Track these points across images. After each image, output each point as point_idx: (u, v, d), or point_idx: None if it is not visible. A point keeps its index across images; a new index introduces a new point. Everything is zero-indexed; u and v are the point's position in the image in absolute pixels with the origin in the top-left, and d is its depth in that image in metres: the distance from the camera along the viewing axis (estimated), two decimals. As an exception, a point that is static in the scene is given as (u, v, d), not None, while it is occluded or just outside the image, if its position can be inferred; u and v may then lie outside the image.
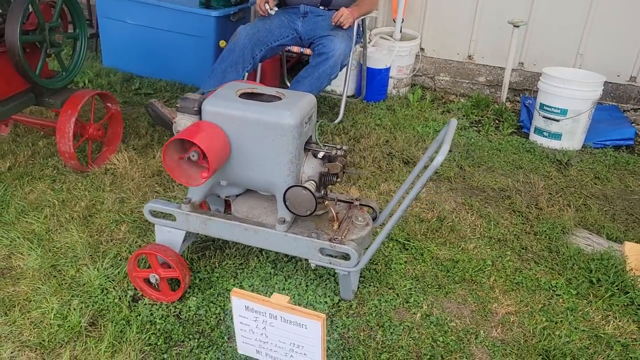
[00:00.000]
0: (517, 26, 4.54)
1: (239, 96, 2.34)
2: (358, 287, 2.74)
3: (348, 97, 5.04)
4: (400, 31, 5.20)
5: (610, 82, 4.78)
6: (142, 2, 4.92)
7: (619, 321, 2.61)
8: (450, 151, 4.15)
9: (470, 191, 3.70)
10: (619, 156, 4.20)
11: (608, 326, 2.58)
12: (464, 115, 4.86)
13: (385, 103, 5.04)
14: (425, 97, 5.14)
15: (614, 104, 4.85)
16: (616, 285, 2.80)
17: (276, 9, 4.19)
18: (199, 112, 2.32)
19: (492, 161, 4.08)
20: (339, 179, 2.38)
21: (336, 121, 4.50)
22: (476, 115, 4.88)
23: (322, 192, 2.43)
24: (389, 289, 2.75)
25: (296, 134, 2.22)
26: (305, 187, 2.21)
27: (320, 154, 2.37)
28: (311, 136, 2.42)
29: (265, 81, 4.84)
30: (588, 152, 4.27)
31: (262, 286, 2.71)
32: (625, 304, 2.71)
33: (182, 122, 2.34)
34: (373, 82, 4.99)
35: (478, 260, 2.98)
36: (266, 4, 4.07)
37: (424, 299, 2.70)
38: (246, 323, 1.81)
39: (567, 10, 4.71)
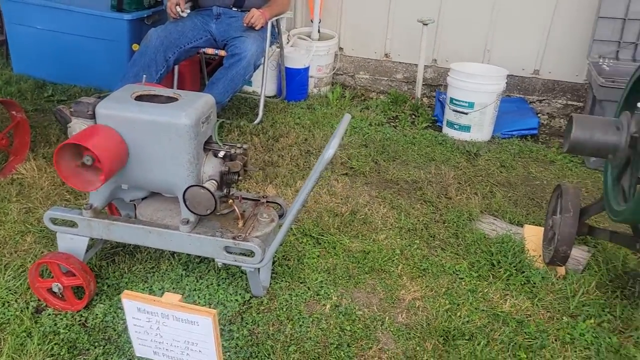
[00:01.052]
0: (426, 24, 4.72)
1: (135, 98, 2.33)
2: (270, 283, 2.78)
3: (269, 97, 5.09)
4: (319, 31, 5.28)
5: (517, 76, 5.04)
6: (51, 7, 4.78)
7: (516, 299, 2.77)
8: (365, 146, 4.28)
9: (385, 184, 3.81)
10: (524, 145, 4.44)
11: (505, 304, 2.74)
12: (382, 112, 5.00)
13: (306, 102, 5.11)
14: (345, 95, 5.25)
15: (520, 96, 5.12)
16: (514, 266, 2.97)
17: (188, 10, 4.18)
18: (93, 116, 2.30)
19: (407, 155, 4.22)
20: (240, 177, 2.42)
21: (255, 122, 4.53)
22: (394, 112, 5.03)
23: (225, 190, 2.46)
24: (301, 283, 2.81)
25: (193, 134, 2.24)
26: (204, 187, 2.23)
27: (221, 154, 2.39)
28: (211, 136, 2.44)
29: (184, 85, 4.80)
30: (496, 142, 4.50)
31: (173, 288, 2.70)
32: (522, 283, 2.88)
33: (77, 126, 2.30)
34: (293, 82, 5.05)
35: (388, 250, 3.09)
36: (177, 6, 4.05)
37: (334, 290, 2.77)
38: (140, 325, 1.82)
39: (473, 8, 4.94)
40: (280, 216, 2.71)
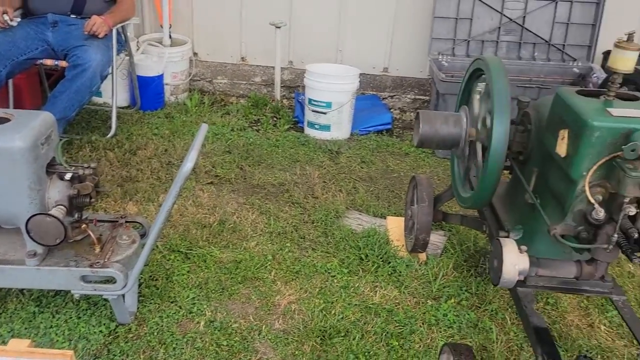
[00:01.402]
0: (279, 27, 4.76)
1: (-43, 122, 2.05)
2: (137, 308, 2.62)
3: (122, 108, 4.80)
4: (170, 37, 5.09)
5: (368, 74, 5.28)
6: None
7: (384, 290, 2.90)
8: (229, 152, 4.21)
9: (252, 190, 3.78)
10: (381, 140, 4.67)
11: (376, 296, 2.85)
12: (243, 116, 4.95)
13: (164, 111, 4.90)
14: (204, 102, 5.12)
15: (374, 93, 5.38)
16: (381, 258, 3.11)
17: (19, 19, 3.79)
18: None
19: (272, 158, 4.22)
20: (92, 200, 2.24)
21: (109, 135, 4.25)
22: (255, 115, 5.01)
23: (77, 215, 2.26)
24: (171, 302, 2.68)
25: (30, 158, 2.02)
26: (50, 214, 2.03)
27: (68, 176, 2.20)
28: (54, 157, 2.23)
29: (22, 101, 4.36)
30: (355, 139, 4.67)
31: (25, 329, 2.43)
32: (389, 273, 3.02)
33: None
34: (147, 90, 4.81)
35: (260, 257, 3.07)
36: (4, 15, 3.65)
37: (207, 305, 2.69)
38: None
39: (321, 11, 5.08)
40: (143, 235, 2.56)
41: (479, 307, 2.82)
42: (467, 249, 3.24)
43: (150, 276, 2.81)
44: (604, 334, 2.71)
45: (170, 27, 5.05)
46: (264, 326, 2.60)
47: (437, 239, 3.35)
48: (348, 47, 5.20)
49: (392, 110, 5.28)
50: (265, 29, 4.96)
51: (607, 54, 4.75)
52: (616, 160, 1.77)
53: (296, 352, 2.47)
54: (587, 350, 2.59)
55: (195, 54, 5.37)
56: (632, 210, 1.74)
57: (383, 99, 5.37)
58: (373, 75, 5.33)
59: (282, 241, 3.23)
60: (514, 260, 1.91)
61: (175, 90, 5.13)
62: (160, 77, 4.87)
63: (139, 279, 2.66)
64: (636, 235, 1.76)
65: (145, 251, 2.20)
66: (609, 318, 2.79)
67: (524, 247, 1.96)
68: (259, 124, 4.86)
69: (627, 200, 1.74)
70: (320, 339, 2.55)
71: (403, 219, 3.41)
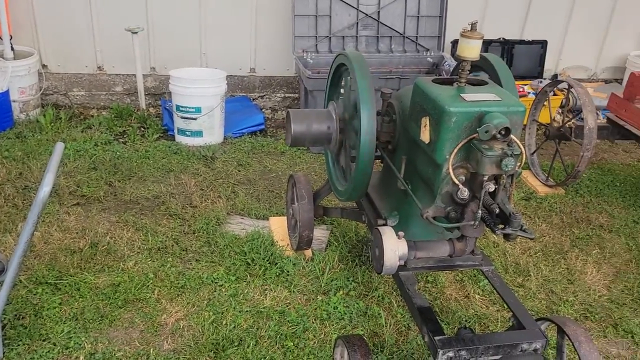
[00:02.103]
0: (136, 33, 4.53)
1: None
2: (4, 353, 2.35)
3: (-38, 131, 4.27)
4: (12, 49, 4.62)
5: (236, 76, 5.21)
6: None
7: (274, 292, 2.88)
8: (95, 169, 3.93)
9: (124, 206, 3.56)
10: (255, 141, 4.63)
11: (266, 299, 2.83)
12: (107, 129, 4.65)
13: (14, 131, 4.44)
14: (60, 117, 4.72)
15: (243, 94, 5.32)
16: (267, 260, 3.08)
17: None
18: None
19: (143, 170, 4.01)
20: None
21: (-51, 163, 3.76)
22: (120, 127, 4.72)
23: None
24: (44, 340, 2.44)
25: None
26: None
27: None
28: None
29: None
30: (229, 142, 4.59)
31: None
32: (277, 274, 3.00)
33: None
34: (-9, 109, 4.33)
35: (140, 277, 2.90)
36: None
37: (86, 337, 2.49)
38: None
39: (180, 13, 4.91)
40: (1, 272, 2.29)
41: (367, 295, 2.91)
42: (349, 240, 3.33)
43: (16, 315, 2.54)
44: (478, 303, 2.92)
45: (11, 39, 4.58)
46: (151, 349, 2.46)
47: (320, 234, 3.40)
48: (212, 49, 5.09)
49: (263, 110, 5.27)
50: (121, 36, 4.69)
51: (455, 42, 5.14)
52: (473, 142, 1.91)
53: (189, 371, 2.38)
54: (465, 321, 2.78)
55: (44, 66, 4.93)
56: (491, 187, 1.88)
57: (253, 99, 5.34)
58: (241, 76, 5.27)
59: (162, 257, 3.09)
60: (394, 247, 1.99)
61: (26, 107, 4.68)
62: (6, 93, 4.41)
63: (1, 321, 2.39)
64: (497, 210, 1.91)
65: (5, 289, 1.97)
66: (481, 287, 3.01)
67: (401, 233, 2.04)
68: (125, 135, 4.60)
69: (486, 178, 1.88)
70: (214, 352, 2.47)
71: (285, 218, 3.41)
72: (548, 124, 4.08)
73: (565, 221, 3.70)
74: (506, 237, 1.91)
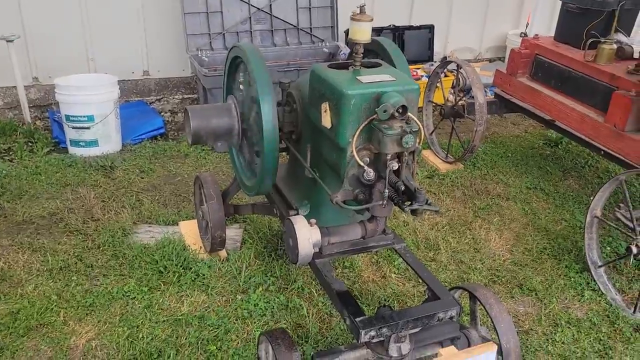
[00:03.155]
0: (10, 40, 4.19)
1: None
2: None
3: None
4: None
5: (129, 80, 4.98)
6: None
7: (192, 297, 2.79)
8: (-21, 192, 3.59)
9: (17, 228, 3.29)
10: (157, 146, 4.45)
11: (184, 306, 2.73)
12: (-11, 147, 4.27)
13: None
14: None
15: (139, 99, 5.10)
16: (181, 266, 2.97)
17: None
18: None
19: (34, 188, 3.72)
20: None
21: None
22: (3, 144, 4.35)
23: None
24: None
25: None
26: None
27: None
28: None
29: None
30: (128, 150, 4.38)
31: None
32: (193, 279, 2.91)
33: None
34: None
35: (42, 300, 2.69)
36: None
37: (-15, 374, 2.27)
38: None
39: (59, 17, 4.60)
40: None
41: (287, 288, 2.89)
42: (264, 236, 3.29)
43: None
44: (395, 282, 3.00)
45: None
46: (62, 376, 2.30)
47: (233, 233, 3.33)
48: (100, 54, 4.82)
49: (162, 114, 5.07)
50: (-6, 45, 4.32)
51: (347, 32, 5.23)
52: (373, 123, 1.94)
53: (107, 392, 2.24)
54: (384, 300, 2.84)
55: None
56: (395, 165, 1.92)
57: (150, 103, 5.13)
58: (134, 80, 5.05)
59: (66, 276, 2.88)
60: (307, 235, 1.98)
61: None
62: None
63: None
64: (403, 187, 1.95)
65: None
66: (396, 266, 3.10)
67: (313, 221, 2.04)
68: (11, 152, 4.24)
69: (389, 157, 1.92)
70: (132, 368, 2.35)
71: (196, 221, 3.31)
72: (443, 104, 4.27)
73: (466, 194, 3.89)
74: (414, 212, 1.96)
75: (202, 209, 3.10)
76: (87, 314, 2.64)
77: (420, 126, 1.94)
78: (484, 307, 2.19)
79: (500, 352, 2.15)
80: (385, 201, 1.98)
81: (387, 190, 1.95)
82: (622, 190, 2.83)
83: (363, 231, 2.13)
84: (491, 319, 2.17)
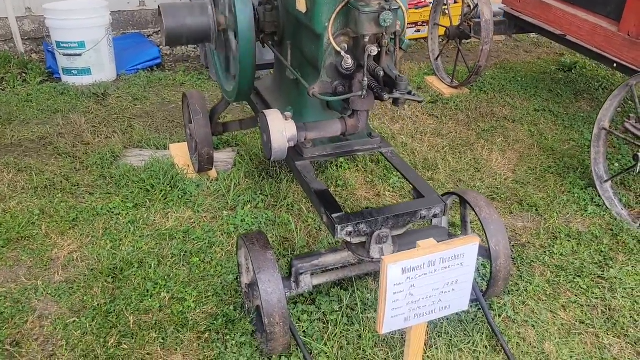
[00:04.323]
0: (-2, -35, 4.06)
1: None
2: None
3: None
4: None
5: (125, 11, 4.83)
6: None
7: (177, 213, 2.71)
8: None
9: (4, 150, 3.23)
10: (152, 76, 4.33)
11: (169, 221, 2.66)
12: (-18, 79, 4.20)
13: None
14: None
15: (136, 31, 4.95)
16: (168, 184, 2.89)
17: None
18: None
19: (25, 114, 3.66)
20: None
21: None
22: (-3, 75, 4.28)
23: None
24: None
25: None
26: None
27: None
28: None
29: None
30: (123, 79, 4.26)
31: None
32: (180, 197, 2.83)
33: None
34: None
35: (24, 215, 2.64)
36: None
37: (-36, 281, 2.24)
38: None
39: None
40: None
41: (275, 205, 2.80)
42: (256, 158, 3.18)
43: None
44: (389, 199, 2.88)
45: None
46: (40, 283, 2.25)
47: (226, 156, 3.23)
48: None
49: (160, 47, 4.91)
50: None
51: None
52: (350, 2, 1.78)
53: (85, 298, 2.19)
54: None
55: None
56: (374, 50, 1.77)
57: (148, 36, 4.98)
58: (130, 11, 4.89)
59: (51, 194, 2.83)
60: (280, 127, 1.86)
61: None
62: None
63: None
64: (382, 73, 1.80)
65: None
66: (391, 185, 2.97)
67: (288, 114, 1.91)
68: (3, 82, 4.17)
69: (367, 39, 1.77)
70: (112, 277, 2.30)
71: (186, 143, 3.21)
72: (448, 26, 4.05)
73: (470, 117, 3.71)
74: (395, 102, 1.82)
75: (190, 127, 2.99)
76: (70, 228, 2.59)
77: (402, 5, 1.78)
78: (474, 210, 2.07)
79: (489, 256, 2.04)
80: (365, 91, 1.84)
81: (366, 79, 1.81)
82: (632, 96, 2.64)
83: (343, 127, 2.00)
84: (480, 222, 2.05)
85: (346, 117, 2.00)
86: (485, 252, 2.11)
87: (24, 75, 4.28)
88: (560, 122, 3.64)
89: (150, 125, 3.61)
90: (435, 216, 1.92)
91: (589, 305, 2.23)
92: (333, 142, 2.17)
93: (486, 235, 2.03)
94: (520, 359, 1.97)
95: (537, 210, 2.79)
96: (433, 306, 1.76)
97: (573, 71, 4.43)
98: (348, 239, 1.87)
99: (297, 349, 1.95)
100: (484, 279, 2.27)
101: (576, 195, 2.88)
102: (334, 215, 1.84)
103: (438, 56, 4.28)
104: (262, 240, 1.93)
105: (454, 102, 3.89)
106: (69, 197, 2.82)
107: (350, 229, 1.82)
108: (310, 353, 1.96)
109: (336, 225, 1.80)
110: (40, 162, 3.11)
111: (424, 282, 1.69)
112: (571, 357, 1.99)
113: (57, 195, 2.81)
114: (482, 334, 2.06)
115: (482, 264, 2.36)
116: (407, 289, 1.67)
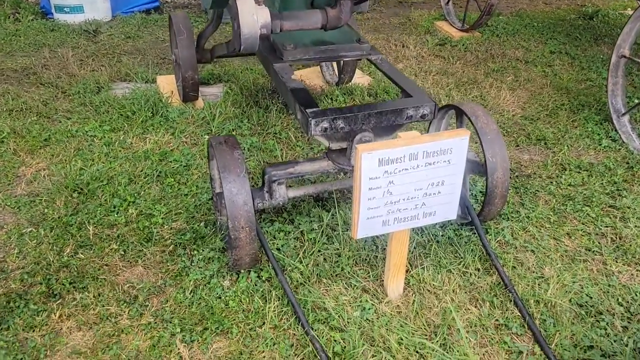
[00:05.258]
0: None
1: None
2: None
3: None
4: None
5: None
6: None
7: (156, 137, 2.54)
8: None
9: (-14, 79, 3.10)
10: (149, 17, 4.16)
11: (146, 144, 2.48)
12: (-26, 17, 4.06)
13: None
14: None
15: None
16: (151, 111, 2.72)
17: None
18: None
19: (11, 46, 3.52)
20: None
21: None
22: (-10, 14, 4.14)
23: None
24: None
25: None
26: None
27: None
28: None
29: None
30: (119, 20, 4.10)
31: None
32: (161, 122, 2.65)
33: None
34: None
35: (-6, 133, 2.50)
36: None
37: None
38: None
39: None
40: None
41: (262, 133, 2.61)
42: (247, 91, 2.99)
43: None
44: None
45: None
46: (0, 195, 2.10)
47: (216, 90, 3.06)
48: None
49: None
50: None
51: None
52: None
53: (46, 210, 2.03)
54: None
55: None
56: None
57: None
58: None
59: (26, 116, 2.67)
60: (252, 10, 1.66)
61: None
62: None
63: None
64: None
65: None
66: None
67: None
68: (-6, 20, 4.03)
69: None
70: (77, 192, 2.13)
71: (174, 76, 3.03)
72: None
73: (480, 58, 3.47)
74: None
75: (175, 52, 2.81)
76: (40, 148, 2.43)
77: None
78: (470, 120, 1.85)
79: (485, 170, 1.83)
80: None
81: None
82: (656, 15, 2.38)
83: (324, 18, 1.79)
84: (476, 131, 1.83)
85: (327, 8, 1.79)
86: (480, 168, 1.90)
87: (16, 14, 4.13)
88: (577, 63, 3.38)
89: (140, 61, 3.44)
90: (423, 117, 1.70)
91: (597, 234, 2.00)
92: (316, 46, 1.96)
93: (482, 146, 1.81)
94: (515, 282, 1.77)
95: (545, 143, 2.56)
96: (416, 210, 1.56)
97: (594, 19, 4.14)
98: (325, 141, 1.67)
99: (268, 265, 1.77)
100: (477, 202, 2.06)
101: (590, 129, 2.64)
102: (308, 110, 1.64)
103: (449, 1, 4.03)
104: (230, 141, 1.74)
105: (463, 44, 3.65)
106: (45, 120, 2.67)
107: (325, 124, 1.62)
108: (284, 270, 1.78)
109: (310, 120, 1.61)
110: (19, 89, 2.96)
111: (405, 180, 1.49)
112: (574, 282, 1.77)
113: (33, 118, 2.65)
114: (475, 255, 1.85)
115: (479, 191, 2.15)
116: (385, 186, 1.47)
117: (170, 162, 2.37)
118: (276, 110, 2.73)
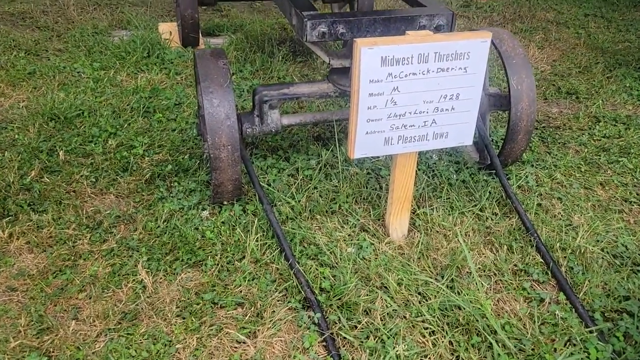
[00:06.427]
0: None
1: None
2: None
3: None
4: None
5: None
6: None
7: (149, 75, 2.35)
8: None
9: (-20, 21, 2.94)
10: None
11: (138, 81, 2.29)
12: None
13: None
14: None
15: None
16: (146, 52, 2.52)
17: None
18: None
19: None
20: None
21: None
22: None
23: None
24: None
25: None
26: None
27: None
28: None
29: None
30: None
31: None
32: (156, 63, 2.46)
33: None
34: None
35: (-25, 67, 2.33)
36: None
37: None
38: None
39: None
40: None
41: (264, 77, 2.39)
42: (254, 39, 2.77)
43: None
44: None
45: None
46: (-29, 122, 1.93)
47: (222, 40, 2.85)
48: None
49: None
50: None
51: None
52: None
53: (17, 137, 1.85)
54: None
55: None
56: None
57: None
58: None
59: (13, 54, 2.50)
60: None
61: None
62: None
63: None
64: None
65: None
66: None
67: None
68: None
69: None
70: (55, 121, 1.95)
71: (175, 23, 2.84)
72: None
73: (507, 18, 3.22)
74: None
75: (176, -8, 2.62)
76: (23, 80, 2.26)
77: None
78: (494, 44, 1.61)
79: (508, 100, 1.59)
80: None
81: None
82: None
83: None
84: (500, 56, 1.59)
85: None
86: (503, 101, 1.66)
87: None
88: (614, 26, 3.10)
89: (144, 11, 3.26)
90: (438, 28, 1.47)
91: (635, 185, 1.74)
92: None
93: (506, 72, 1.58)
94: (538, 227, 1.52)
95: (577, 97, 2.30)
96: (425, 129, 1.32)
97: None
98: (324, 56, 1.45)
99: (256, 198, 1.55)
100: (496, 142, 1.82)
101: (627, 85, 2.37)
102: (305, 13, 1.42)
103: (475, -37, 3.77)
104: (217, 52, 1.53)
105: (490, 6, 3.39)
106: (33, 57, 2.49)
107: (324, 28, 1.40)
108: (273, 205, 1.56)
109: (306, 21, 1.38)
110: (13, 31, 2.79)
111: (413, 87, 1.25)
112: (607, 231, 1.52)
113: (20, 55, 2.48)
114: (493, 199, 1.61)
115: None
116: (389, 93, 1.24)
117: (161, 98, 2.17)
118: (281, 56, 2.52)
